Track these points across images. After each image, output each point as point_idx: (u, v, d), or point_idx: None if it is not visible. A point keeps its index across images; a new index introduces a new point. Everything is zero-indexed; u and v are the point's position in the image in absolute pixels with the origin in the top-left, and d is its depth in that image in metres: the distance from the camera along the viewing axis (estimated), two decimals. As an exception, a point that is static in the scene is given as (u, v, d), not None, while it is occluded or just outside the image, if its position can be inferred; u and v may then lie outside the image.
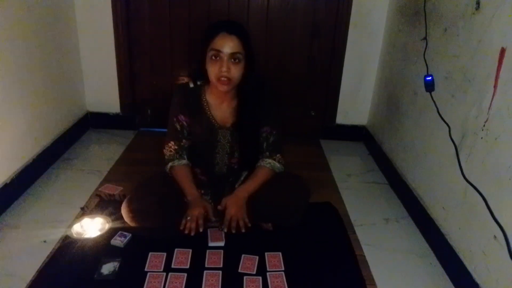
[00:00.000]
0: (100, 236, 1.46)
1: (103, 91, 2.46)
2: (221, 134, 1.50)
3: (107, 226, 1.50)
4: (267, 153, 1.52)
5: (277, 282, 1.30)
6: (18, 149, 1.75)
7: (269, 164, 1.51)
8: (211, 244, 1.45)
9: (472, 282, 1.26)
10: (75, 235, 1.45)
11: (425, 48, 1.71)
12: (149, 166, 1.75)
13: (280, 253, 1.42)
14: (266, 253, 1.42)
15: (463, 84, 1.41)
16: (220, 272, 1.32)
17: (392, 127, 2.10)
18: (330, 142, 2.54)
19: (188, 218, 1.39)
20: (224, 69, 1.33)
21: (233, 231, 1.39)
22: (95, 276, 1.28)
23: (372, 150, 2.41)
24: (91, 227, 1.49)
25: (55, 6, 2.03)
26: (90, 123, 2.51)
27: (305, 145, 2.46)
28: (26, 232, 1.50)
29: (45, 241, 1.45)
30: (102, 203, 1.68)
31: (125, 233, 1.46)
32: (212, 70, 1.35)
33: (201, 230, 1.38)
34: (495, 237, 1.16)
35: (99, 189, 1.80)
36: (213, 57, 1.34)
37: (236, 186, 1.57)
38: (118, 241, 1.43)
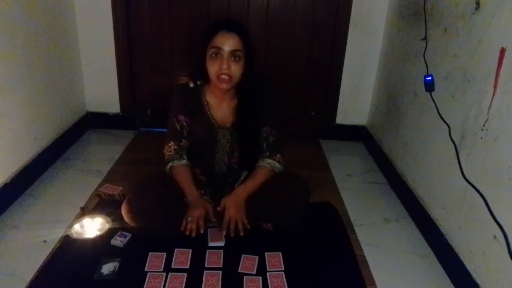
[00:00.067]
0: (100, 236, 1.46)
1: (103, 91, 2.46)
2: (221, 134, 1.50)
3: (107, 226, 1.50)
4: (267, 153, 1.52)
5: (277, 282, 1.30)
6: (18, 149, 1.75)
7: (269, 164, 1.51)
8: (211, 244, 1.45)
9: (472, 282, 1.26)
10: (75, 235, 1.45)
11: (425, 48, 1.71)
12: (149, 166, 1.75)
13: (280, 253, 1.42)
14: (266, 253, 1.42)
15: (463, 84, 1.41)
16: (220, 272, 1.32)
17: (392, 127, 2.10)
18: (330, 142, 2.54)
19: (189, 219, 1.39)
20: (224, 66, 1.33)
21: (232, 235, 1.39)
22: (95, 276, 1.28)
23: (372, 150, 2.41)
24: (91, 227, 1.49)
25: (55, 6, 2.03)
26: (90, 123, 2.51)
27: (305, 145, 2.46)
28: (26, 232, 1.51)
29: (45, 241, 1.45)
30: (102, 203, 1.68)
31: (125, 233, 1.46)
32: (213, 68, 1.35)
33: (201, 231, 1.39)
34: (495, 237, 1.16)
35: (99, 189, 1.80)
36: (214, 55, 1.34)
37: (236, 186, 1.57)
38: (118, 241, 1.43)
